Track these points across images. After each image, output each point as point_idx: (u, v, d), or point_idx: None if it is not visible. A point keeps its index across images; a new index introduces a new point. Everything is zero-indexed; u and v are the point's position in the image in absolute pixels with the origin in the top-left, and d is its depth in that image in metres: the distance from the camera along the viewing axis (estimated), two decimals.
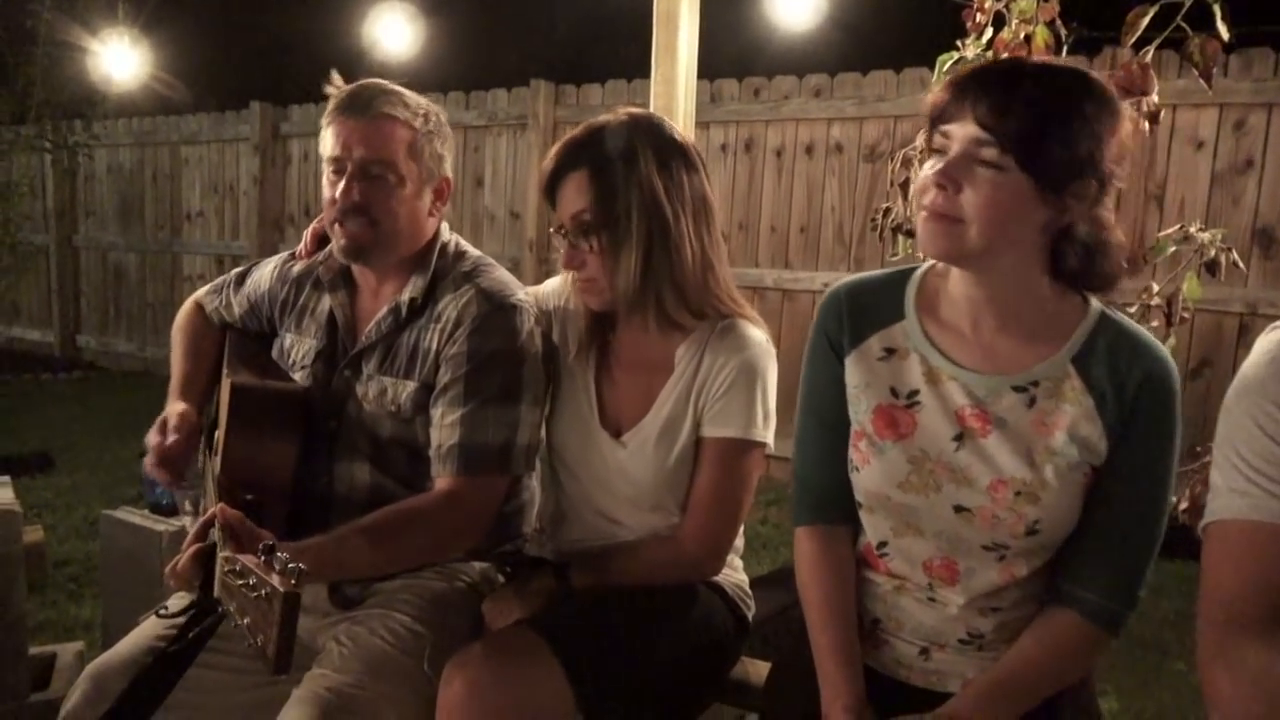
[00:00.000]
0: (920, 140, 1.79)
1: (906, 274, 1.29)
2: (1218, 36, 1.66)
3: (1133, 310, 1.71)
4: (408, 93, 1.52)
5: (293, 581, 1.01)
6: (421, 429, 1.51)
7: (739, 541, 1.60)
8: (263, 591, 1.04)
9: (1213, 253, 1.68)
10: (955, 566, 1.21)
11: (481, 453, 1.45)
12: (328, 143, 1.49)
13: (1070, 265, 1.13)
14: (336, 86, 1.53)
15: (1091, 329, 1.17)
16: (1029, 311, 1.18)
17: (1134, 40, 1.69)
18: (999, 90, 1.06)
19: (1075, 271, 1.14)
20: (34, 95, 5.76)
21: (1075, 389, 1.15)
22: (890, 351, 1.24)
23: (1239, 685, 0.87)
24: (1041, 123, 1.04)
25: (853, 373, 1.26)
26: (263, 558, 1.07)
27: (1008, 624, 1.22)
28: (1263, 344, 1.03)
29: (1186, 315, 1.71)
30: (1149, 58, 1.68)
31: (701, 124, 5.21)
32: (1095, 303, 1.20)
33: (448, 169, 1.58)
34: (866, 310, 1.27)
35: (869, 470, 1.23)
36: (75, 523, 3.94)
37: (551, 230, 1.49)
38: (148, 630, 1.47)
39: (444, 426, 1.46)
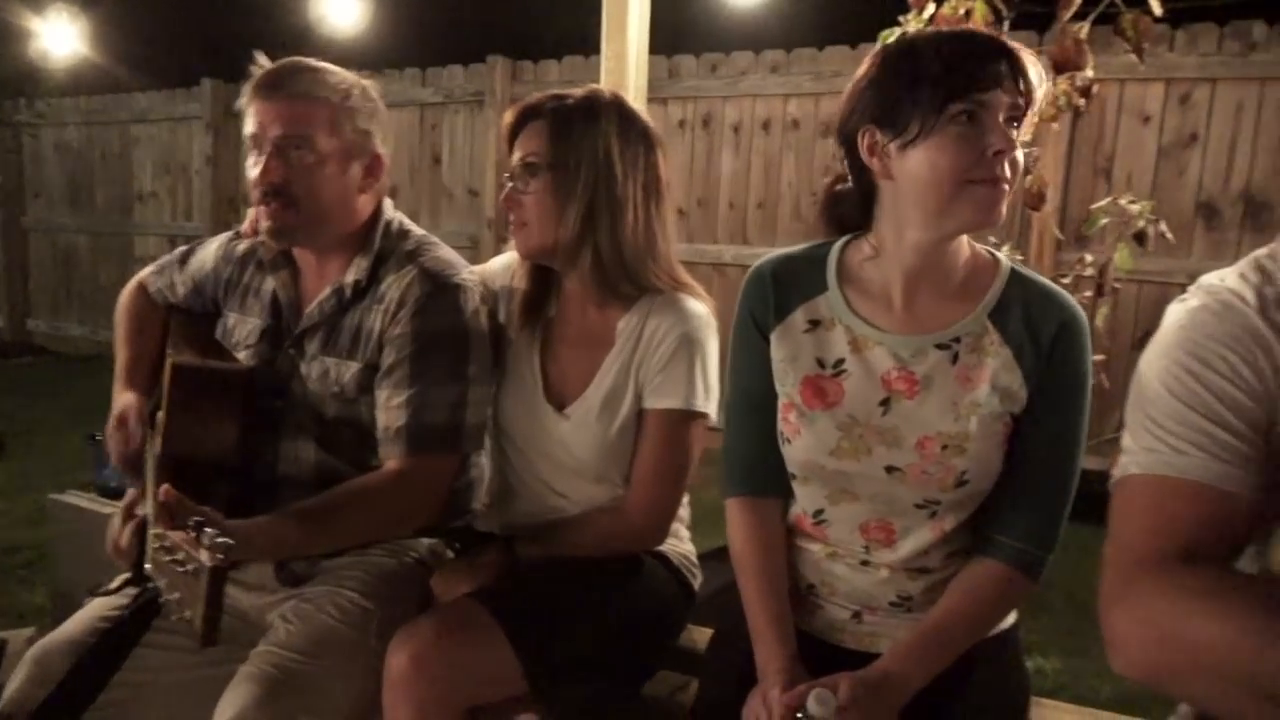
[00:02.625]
0: None
1: (827, 247, 1.31)
2: (1150, 12, 1.70)
3: (1067, 281, 1.75)
4: (332, 69, 1.50)
5: (220, 556, 1.02)
6: (366, 409, 1.51)
7: (685, 512, 1.63)
8: (190, 566, 1.05)
9: (1141, 224, 1.72)
10: (891, 527, 1.25)
11: (430, 433, 1.45)
12: (246, 123, 1.47)
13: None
14: (260, 66, 1.50)
15: (1004, 285, 1.22)
16: (951, 274, 1.22)
17: (1070, 15, 1.72)
18: (1013, 57, 1.13)
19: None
20: None
21: (994, 342, 1.20)
22: (815, 323, 1.27)
23: (1135, 626, 0.90)
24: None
25: (778, 347, 1.29)
26: (192, 534, 1.07)
27: (935, 585, 1.26)
28: (1172, 312, 1.07)
29: (1118, 285, 1.76)
30: (1085, 34, 1.71)
31: (659, 100, 5.21)
32: (1004, 260, 1.25)
33: (378, 145, 1.55)
34: (790, 285, 1.29)
35: (800, 441, 1.26)
36: (26, 509, 3.89)
37: (504, 176, 1.51)
38: (91, 611, 1.47)
39: (391, 408, 1.47)
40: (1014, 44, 1.15)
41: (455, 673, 1.27)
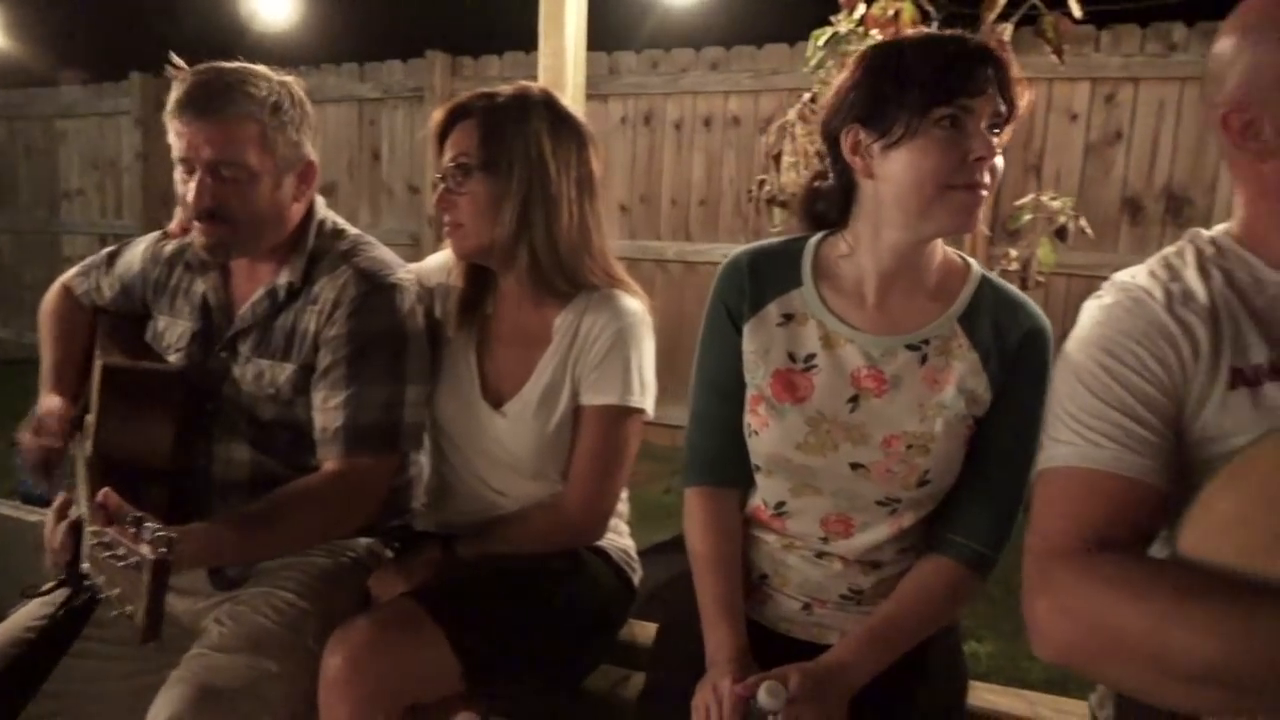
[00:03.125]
0: (793, 114, 1.84)
1: (802, 242, 1.33)
2: (1070, 14, 1.75)
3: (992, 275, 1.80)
4: (256, 78, 1.45)
5: (162, 549, 1.01)
6: (303, 410, 1.50)
7: (624, 508, 1.65)
8: (132, 560, 1.04)
9: (1063, 219, 1.78)
10: (851, 521, 1.27)
11: (367, 434, 1.45)
12: (174, 142, 1.43)
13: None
14: (177, 68, 1.45)
15: (975, 290, 1.25)
16: (924, 276, 1.25)
17: (994, 16, 1.77)
18: (1000, 64, 1.15)
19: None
20: None
21: (962, 345, 1.23)
22: (788, 317, 1.29)
23: (1053, 614, 0.94)
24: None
25: (751, 339, 1.30)
26: (132, 529, 1.06)
27: (886, 580, 1.29)
28: (1087, 309, 1.11)
29: (1042, 279, 1.82)
30: (1008, 34, 1.76)
31: (600, 96, 5.21)
32: (976, 266, 1.28)
33: (309, 152, 1.52)
34: (766, 277, 1.31)
35: (768, 433, 1.27)
36: None
37: (435, 177, 1.49)
38: (21, 618, 1.44)
39: (328, 410, 1.45)
40: (1001, 52, 1.17)
41: (392, 672, 1.27)
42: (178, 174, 1.45)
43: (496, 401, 1.51)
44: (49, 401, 1.55)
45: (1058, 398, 1.08)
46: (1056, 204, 1.77)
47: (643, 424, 1.51)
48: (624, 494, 1.62)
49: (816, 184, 1.32)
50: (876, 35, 1.82)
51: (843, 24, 1.90)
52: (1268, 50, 0.98)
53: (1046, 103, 4.30)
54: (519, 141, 1.42)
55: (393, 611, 1.34)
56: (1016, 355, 1.22)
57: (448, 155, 1.46)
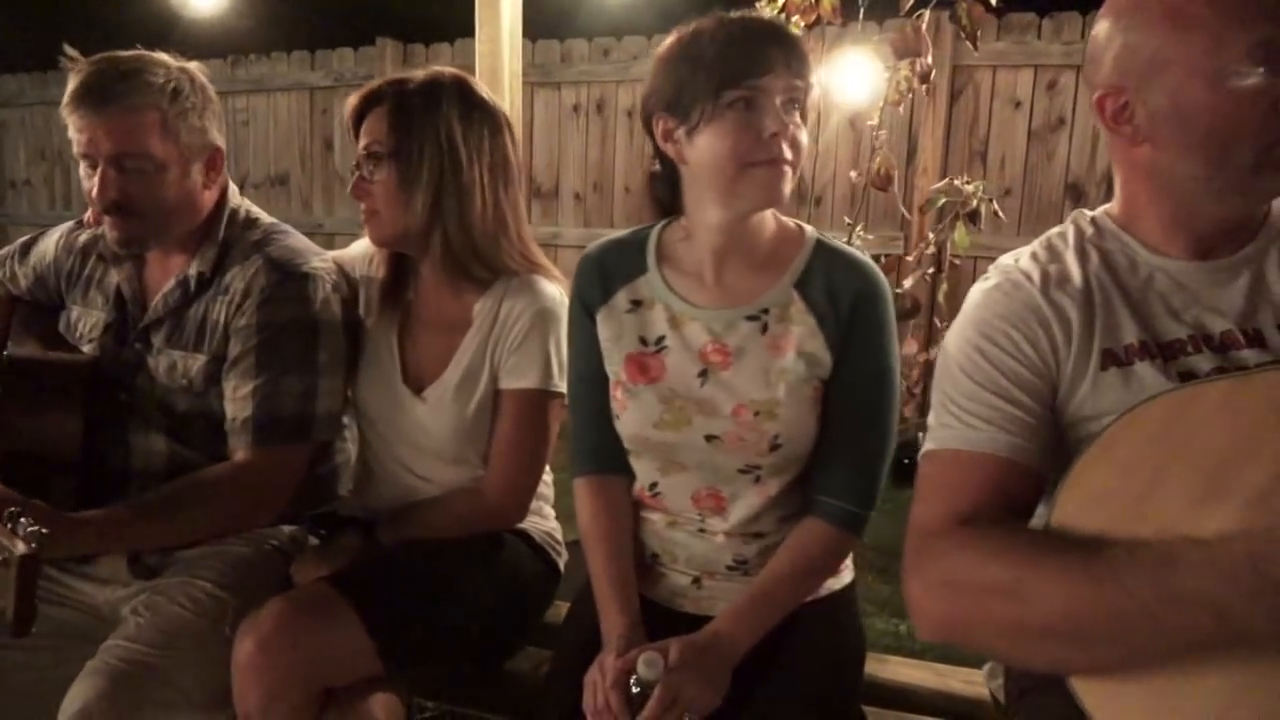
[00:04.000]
0: None
1: (648, 231, 1.37)
2: (985, 3, 1.78)
3: (910, 258, 1.84)
4: (154, 65, 1.43)
5: (33, 545, 1.01)
6: (216, 400, 1.49)
7: (548, 491, 1.66)
8: (2, 556, 1.03)
9: (974, 204, 1.82)
10: (720, 494, 1.30)
11: (277, 424, 1.45)
12: (74, 137, 1.41)
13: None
14: (73, 59, 1.42)
15: (809, 255, 1.28)
16: (756, 248, 1.28)
17: (912, 4, 1.79)
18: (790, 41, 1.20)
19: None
20: None
21: (799, 310, 1.26)
22: (637, 303, 1.33)
23: (925, 589, 0.97)
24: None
25: (604, 327, 1.34)
26: (7, 524, 1.06)
27: (770, 548, 1.32)
28: (973, 292, 1.14)
29: (957, 261, 1.85)
30: (924, 23, 1.79)
31: (553, 84, 5.21)
32: (810, 231, 1.32)
33: (215, 137, 1.51)
34: (613, 268, 1.35)
35: (627, 415, 1.31)
36: None
37: (351, 166, 1.49)
38: None
39: (237, 400, 1.45)
40: (787, 28, 1.22)
41: (303, 655, 1.27)
42: (82, 169, 1.43)
43: (418, 387, 1.52)
44: None
45: (938, 382, 1.11)
46: (970, 188, 1.81)
47: (562, 407, 1.52)
48: (548, 477, 1.63)
49: (652, 170, 1.35)
50: (799, 21, 1.84)
51: (765, 9, 1.92)
52: (1139, 34, 1.00)
53: (990, 90, 4.36)
54: (429, 129, 1.42)
55: (304, 595, 1.34)
56: (851, 315, 1.25)
57: (361, 143, 1.46)
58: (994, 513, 1.00)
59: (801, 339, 1.25)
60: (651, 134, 1.26)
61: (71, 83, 1.40)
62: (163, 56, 1.46)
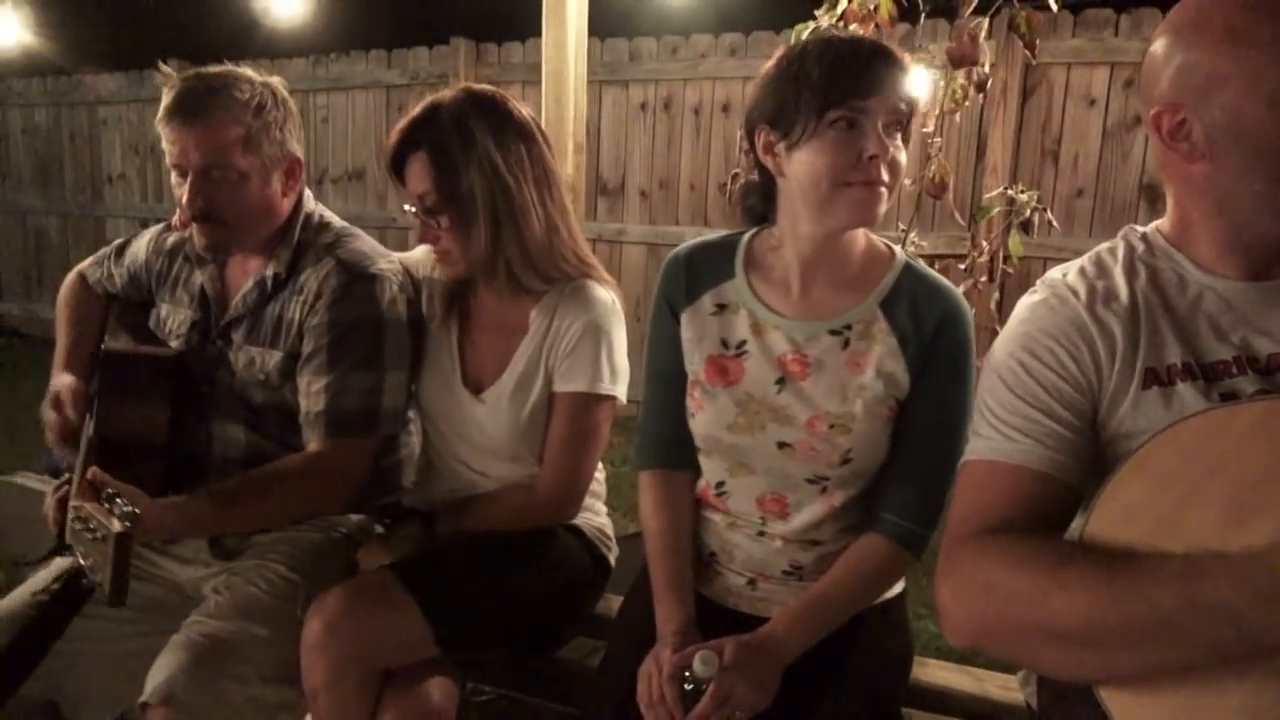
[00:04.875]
0: None
1: (738, 237, 1.40)
2: (1045, 6, 1.78)
3: (963, 267, 1.85)
4: (239, 81, 1.53)
5: (127, 524, 1.11)
6: (291, 394, 1.59)
7: (600, 488, 1.72)
8: (100, 534, 1.14)
9: (1027, 213, 1.81)
10: (785, 500, 1.34)
11: (347, 417, 1.53)
12: (166, 149, 1.52)
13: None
14: (166, 75, 1.55)
15: (897, 277, 1.31)
16: (846, 264, 1.31)
17: (970, 10, 1.80)
18: (896, 63, 1.22)
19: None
20: None
21: (882, 330, 1.29)
22: (722, 307, 1.37)
23: (953, 595, 0.99)
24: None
25: (688, 328, 1.38)
26: (105, 505, 1.16)
27: (826, 557, 1.35)
28: (1020, 305, 1.15)
29: (1010, 270, 1.85)
30: (983, 30, 1.79)
31: (621, 82, 5.26)
32: (900, 253, 1.34)
33: (294, 149, 1.60)
34: (701, 271, 1.39)
35: (702, 415, 1.35)
36: (2, 490, 3.94)
37: (405, 206, 1.56)
38: (29, 587, 1.55)
39: (311, 394, 1.55)
40: (898, 51, 1.23)
41: (366, 637, 1.36)
42: (173, 178, 1.54)
43: (476, 388, 1.59)
44: (60, 379, 1.66)
45: (982, 393, 1.13)
46: (1024, 197, 1.81)
47: (613, 409, 1.58)
48: (600, 475, 1.70)
49: (746, 179, 1.38)
50: (856, 29, 1.86)
51: (824, 18, 1.94)
52: (1198, 51, 1.00)
53: (1065, 88, 4.27)
54: (472, 166, 1.46)
55: (368, 581, 1.43)
56: (933, 340, 1.27)
57: (412, 190, 1.51)
58: (1025, 524, 1.01)
59: (882, 358, 1.28)
60: (752, 145, 1.29)
61: (165, 98, 1.51)
62: (248, 72, 1.56)
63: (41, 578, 1.57)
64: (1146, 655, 0.87)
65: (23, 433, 4.80)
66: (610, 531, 1.73)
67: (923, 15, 2.09)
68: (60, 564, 1.56)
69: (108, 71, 7.27)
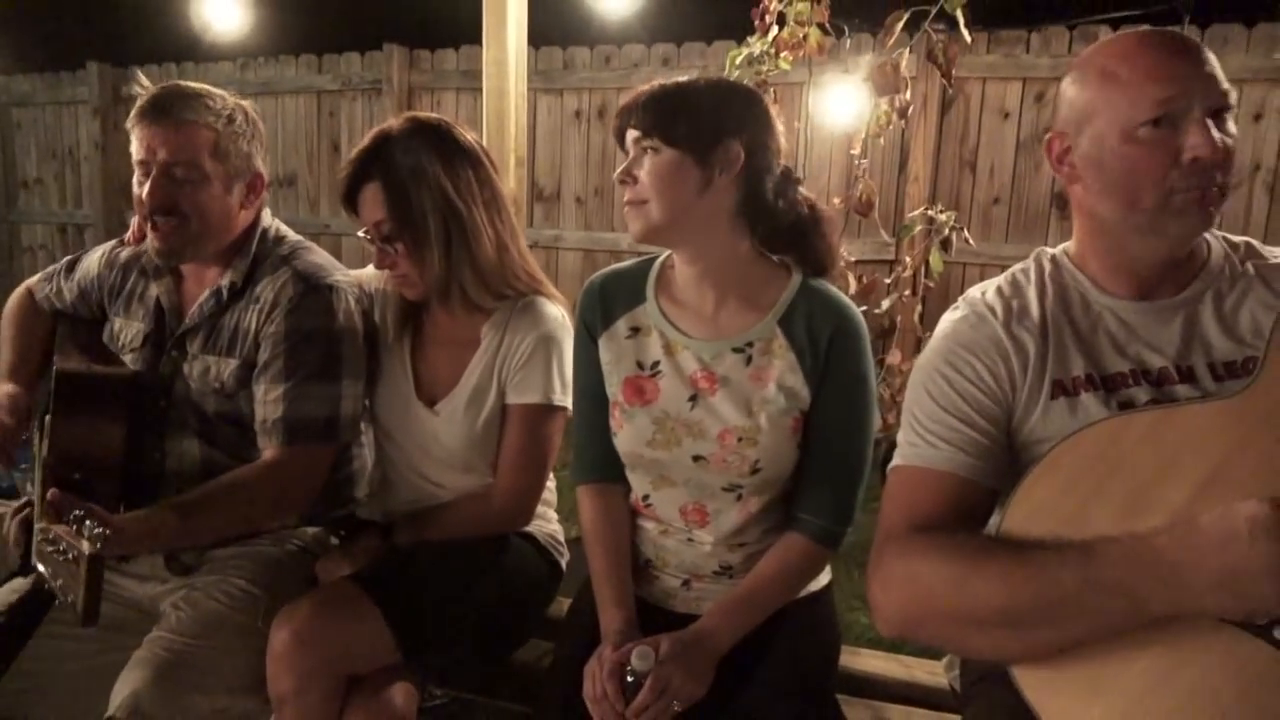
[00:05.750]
0: None
1: (650, 262, 1.50)
2: (959, 40, 1.91)
3: (889, 280, 1.97)
4: (214, 94, 1.58)
5: (98, 545, 1.15)
6: (245, 403, 1.62)
7: (552, 496, 1.80)
8: (71, 555, 1.17)
9: (946, 232, 1.95)
10: (705, 509, 1.43)
11: (304, 425, 1.58)
12: (134, 146, 1.56)
13: (764, 236, 1.39)
14: (143, 87, 1.58)
15: (794, 295, 1.41)
16: (740, 283, 1.41)
17: (892, 42, 1.92)
18: (649, 101, 1.34)
19: (783, 248, 1.41)
20: None
21: (781, 346, 1.39)
22: (636, 330, 1.46)
23: (881, 589, 1.09)
24: (672, 110, 1.32)
25: (605, 351, 1.47)
26: (73, 526, 1.20)
27: (753, 556, 1.45)
28: (942, 321, 1.26)
29: (931, 284, 1.98)
30: (904, 60, 1.92)
31: (555, 90, 5.33)
32: (797, 273, 1.43)
33: (259, 164, 1.66)
34: (615, 296, 1.48)
35: (623, 433, 1.44)
36: None
37: (359, 233, 1.61)
38: None
39: (267, 402, 1.58)
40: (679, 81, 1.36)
41: (332, 646, 1.41)
42: (136, 176, 1.57)
43: (430, 401, 1.65)
44: (3, 388, 1.67)
45: (909, 402, 1.23)
46: (943, 217, 1.95)
47: (564, 419, 1.66)
48: (551, 484, 1.77)
49: None
50: (786, 57, 1.97)
51: (756, 45, 2.05)
52: (1080, 88, 1.14)
53: (980, 101, 4.48)
54: (424, 194, 1.53)
55: (333, 592, 1.48)
56: (828, 353, 1.37)
57: (366, 218, 1.58)
58: (948, 522, 1.11)
59: (782, 373, 1.38)
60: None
61: (140, 101, 1.55)
62: (222, 91, 1.62)
63: None
64: (1057, 631, 0.97)
65: None
66: (561, 537, 1.80)
67: (847, 38, 2.20)
68: (17, 584, 1.57)
69: (22, 74, 7.03)
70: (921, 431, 1.18)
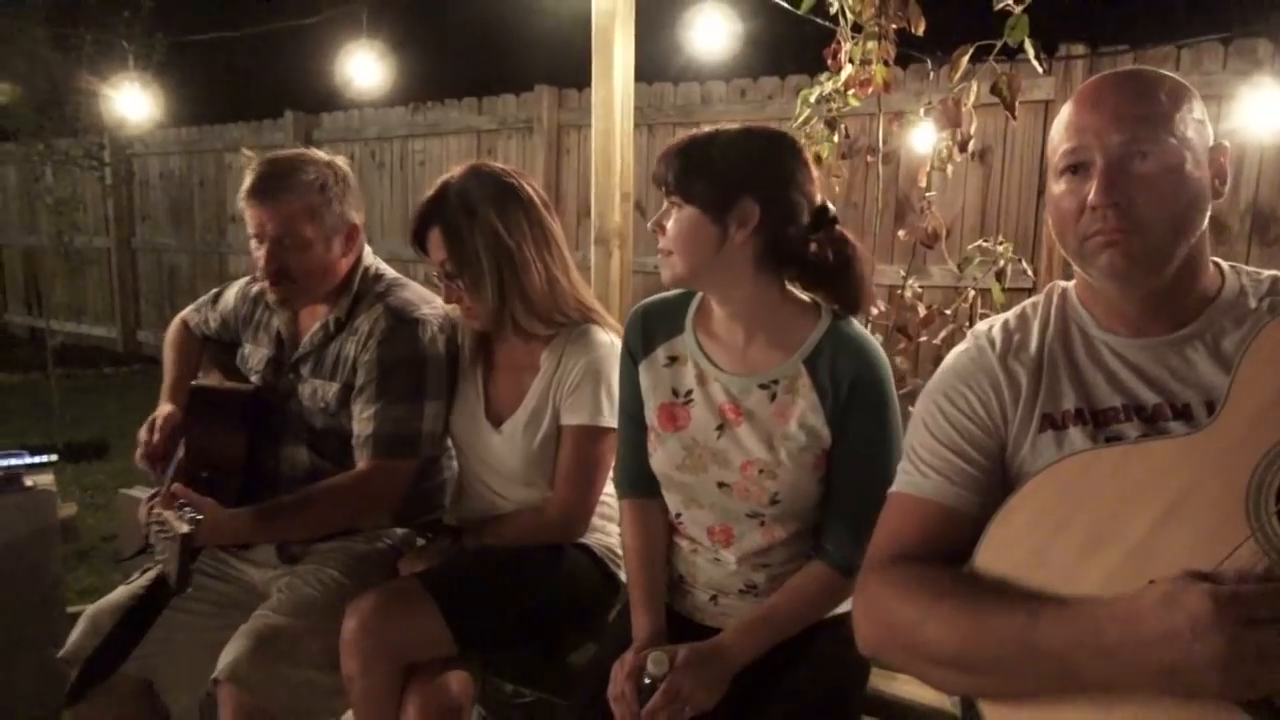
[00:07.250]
0: None
1: (690, 296, 1.58)
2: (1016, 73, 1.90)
3: (950, 311, 1.98)
4: (306, 163, 1.82)
5: (190, 528, 1.40)
6: (346, 420, 1.87)
7: (613, 510, 1.92)
8: (170, 534, 1.43)
9: (1001, 263, 1.94)
10: (731, 530, 1.52)
11: (391, 441, 1.80)
12: (247, 220, 1.82)
13: (798, 280, 1.45)
14: (249, 157, 1.87)
15: (821, 336, 1.46)
16: (768, 323, 1.48)
17: (959, 77, 1.94)
18: (673, 158, 1.42)
19: (814, 286, 1.47)
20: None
21: (805, 385, 1.44)
22: (673, 359, 1.56)
23: (860, 615, 1.13)
24: (691, 169, 1.39)
25: (644, 377, 1.57)
26: (177, 512, 1.46)
27: (777, 576, 1.52)
28: (947, 357, 1.29)
29: (987, 314, 1.97)
30: (972, 94, 1.94)
31: (648, 125, 5.46)
32: (827, 313, 1.48)
33: (353, 217, 1.89)
34: (656, 326, 1.58)
35: (656, 456, 1.55)
36: (121, 502, 4.41)
37: (435, 276, 1.82)
38: (129, 584, 1.86)
39: (361, 420, 1.82)
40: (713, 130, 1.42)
41: (392, 635, 1.59)
42: (252, 244, 1.85)
43: (497, 420, 1.83)
44: (163, 408, 1.99)
45: (908, 432, 1.28)
46: (1000, 249, 1.94)
47: (615, 438, 1.78)
48: (612, 500, 1.89)
49: None
50: (854, 95, 2.03)
51: (828, 84, 2.12)
52: (1056, 130, 1.16)
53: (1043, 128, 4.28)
54: (478, 235, 1.71)
55: (398, 587, 1.67)
56: (849, 397, 1.41)
57: (433, 258, 1.78)
58: (925, 552, 1.14)
59: (804, 412, 1.43)
60: None
61: (246, 179, 1.82)
62: (315, 154, 1.87)
63: (144, 578, 1.88)
64: (1004, 682, 1.00)
65: None
66: (618, 549, 1.92)
67: (930, 70, 2.22)
68: (149, 577, 1.86)
69: (232, 122, 7.94)
70: (915, 460, 1.20)
